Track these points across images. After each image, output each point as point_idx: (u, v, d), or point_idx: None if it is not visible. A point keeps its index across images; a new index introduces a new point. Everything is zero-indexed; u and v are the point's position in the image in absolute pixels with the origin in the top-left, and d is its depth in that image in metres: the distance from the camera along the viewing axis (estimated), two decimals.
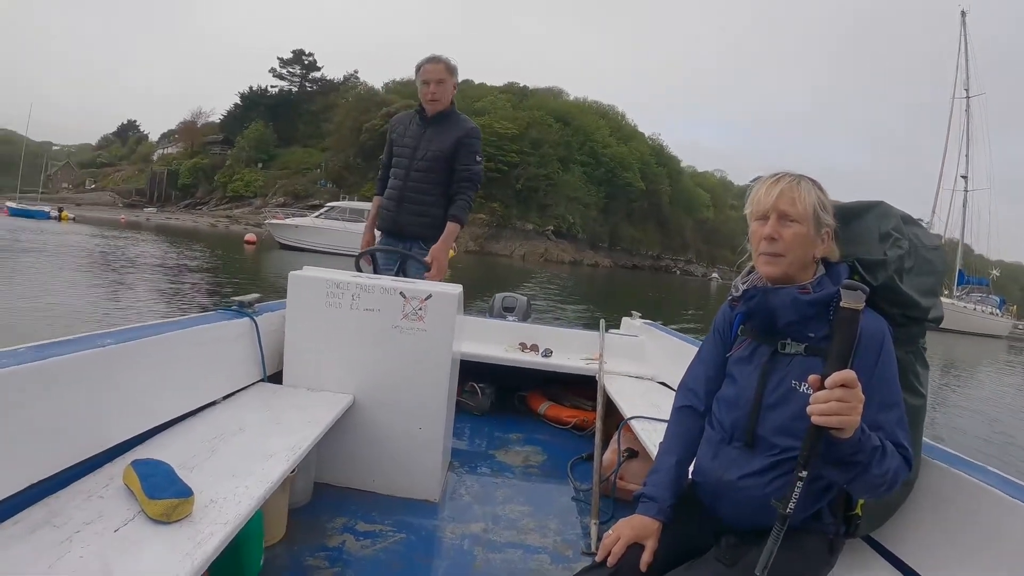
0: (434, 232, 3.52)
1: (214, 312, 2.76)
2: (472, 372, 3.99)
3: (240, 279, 19.11)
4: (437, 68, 3.55)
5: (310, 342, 2.75)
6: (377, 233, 3.91)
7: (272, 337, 2.86)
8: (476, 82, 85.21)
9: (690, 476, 1.71)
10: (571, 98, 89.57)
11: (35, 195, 69.66)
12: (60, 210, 52.28)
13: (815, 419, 1.26)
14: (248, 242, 36.33)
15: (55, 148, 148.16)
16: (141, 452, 1.90)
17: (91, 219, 52.73)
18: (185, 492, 1.58)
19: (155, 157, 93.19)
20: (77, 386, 1.78)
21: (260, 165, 72.88)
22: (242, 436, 2.17)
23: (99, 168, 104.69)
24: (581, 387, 4.10)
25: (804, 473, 1.29)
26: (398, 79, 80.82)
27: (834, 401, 1.23)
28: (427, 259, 3.40)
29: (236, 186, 71.42)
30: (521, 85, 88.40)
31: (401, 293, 2.62)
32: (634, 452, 2.95)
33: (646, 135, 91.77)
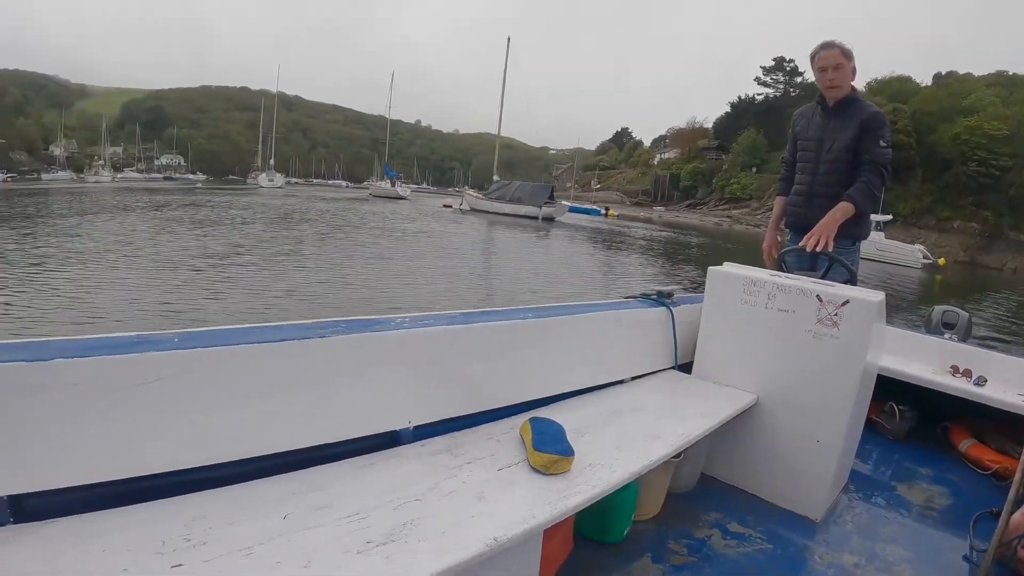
0: (849, 229, 3.20)
1: (635, 299, 2.94)
2: (894, 391, 3.52)
3: None
4: (832, 54, 3.31)
5: (722, 336, 2.77)
6: (786, 232, 3.74)
7: (687, 328, 2.93)
8: (961, 72, 73.79)
9: None
10: None
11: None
12: (607, 208, 64.35)
13: None
14: None
15: (551, 152, 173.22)
16: (543, 412, 2.13)
17: (626, 215, 65.16)
18: (567, 451, 1.75)
19: (655, 161, 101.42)
20: (495, 349, 2.11)
21: (754, 169, 74.85)
22: (638, 415, 2.29)
23: (602, 170, 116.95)
24: (1015, 428, 3.33)
25: None
26: (879, 78, 72.71)
27: None
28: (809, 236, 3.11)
29: (733, 188, 75.15)
30: (1010, 73, 72.13)
31: (818, 296, 2.46)
32: None
33: None
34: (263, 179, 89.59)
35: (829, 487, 2.58)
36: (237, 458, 1.54)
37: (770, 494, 2.66)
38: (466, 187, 64.73)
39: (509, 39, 59.76)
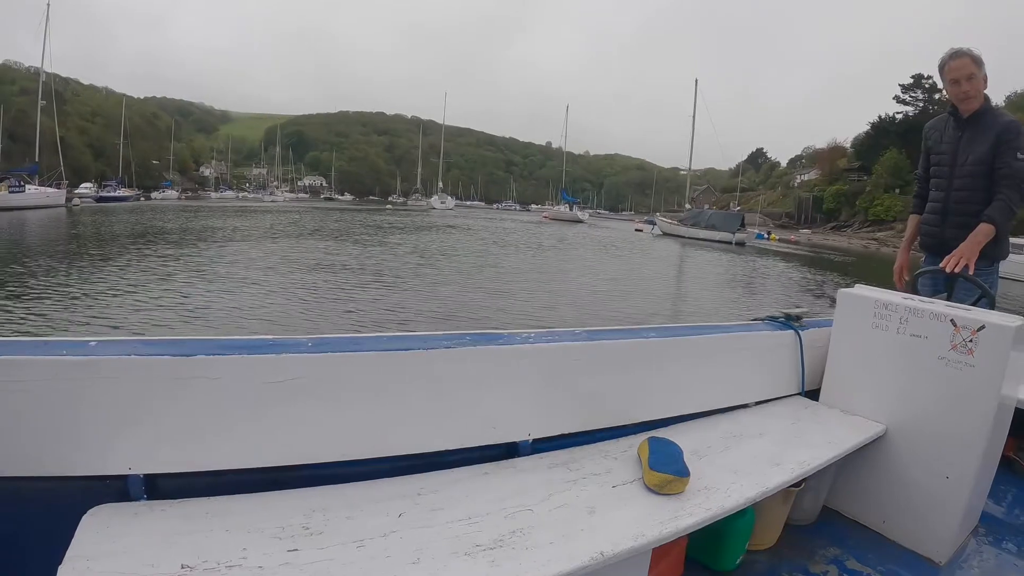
0: (986, 248, 2.94)
1: (761, 321, 2.85)
2: None
3: None
4: (963, 63, 3.03)
5: (851, 362, 2.64)
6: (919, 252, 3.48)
7: (815, 353, 2.81)
8: None
9: None
10: None
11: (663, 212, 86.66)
12: (769, 232, 65.77)
13: None
14: None
15: (682, 172, 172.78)
16: (662, 432, 2.10)
17: (782, 238, 66.52)
18: (682, 472, 1.74)
19: (795, 183, 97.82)
20: (618, 367, 2.13)
21: (898, 191, 69.84)
22: (759, 441, 2.22)
23: (741, 192, 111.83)
24: None
25: None
26: (1020, 91, 66.16)
27: None
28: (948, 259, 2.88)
29: (876, 211, 71.88)
30: None
31: (952, 321, 2.28)
32: None
33: None
34: (435, 201, 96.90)
35: (957, 528, 2.38)
36: (360, 457, 1.63)
37: (893, 532, 2.49)
38: (657, 213, 76.64)
39: (697, 81, 65.52)
